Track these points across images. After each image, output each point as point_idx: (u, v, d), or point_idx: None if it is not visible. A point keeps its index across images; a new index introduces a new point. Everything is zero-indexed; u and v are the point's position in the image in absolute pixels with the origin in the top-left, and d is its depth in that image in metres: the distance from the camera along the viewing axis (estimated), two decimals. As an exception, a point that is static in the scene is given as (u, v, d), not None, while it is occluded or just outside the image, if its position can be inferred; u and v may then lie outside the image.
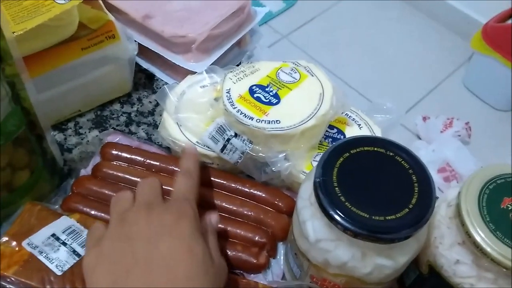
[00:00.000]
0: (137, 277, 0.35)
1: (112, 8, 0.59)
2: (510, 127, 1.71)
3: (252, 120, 0.48)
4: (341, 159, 0.38)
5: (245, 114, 0.48)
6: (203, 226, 0.40)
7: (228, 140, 0.49)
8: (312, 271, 0.41)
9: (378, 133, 0.54)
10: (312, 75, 0.52)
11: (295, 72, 0.52)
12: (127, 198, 0.42)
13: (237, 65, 0.54)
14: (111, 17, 0.54)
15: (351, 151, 0.38)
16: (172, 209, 0.39)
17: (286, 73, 0.52)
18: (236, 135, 0.49)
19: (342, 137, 0.53)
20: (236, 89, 0.50)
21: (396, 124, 0.55)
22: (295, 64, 0.54)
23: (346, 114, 0.55)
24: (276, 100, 0.49)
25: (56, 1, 0.48)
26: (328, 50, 1.89)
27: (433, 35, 1.99)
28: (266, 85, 0.51)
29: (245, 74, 0.52)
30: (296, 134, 0.47)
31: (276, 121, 0.48)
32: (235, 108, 0.48)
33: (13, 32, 0.45)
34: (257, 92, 0.50)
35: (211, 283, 0.36)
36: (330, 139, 0.53)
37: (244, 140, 0.49)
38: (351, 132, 0.54)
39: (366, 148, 0.39)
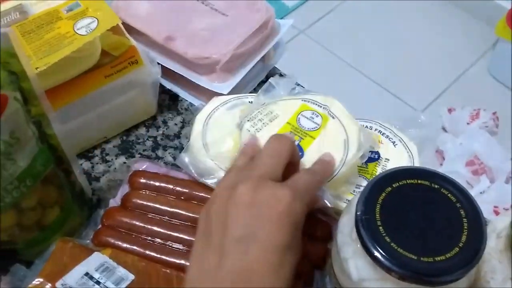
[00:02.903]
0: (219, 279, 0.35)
1: (132, 30, 0.58)
2: (540, 115, 1.65)
3: None
4: (383, 194, 0.36)
5: None
6: None
7: None
8: (355, 307, 0.39)
9: (414, 150, 0.52)
10: (333, 117, 0.50)
11: (317, 116, 0.50)
12: (252, 154, 0.42)
13: (255, 89, 0.52)
14: (133, 41, 0.53)
15: (393, 185, 0.36)
16: (278, 198, 0.37)
17: (307, 118, 0.50)
18: None
19: (376, 156, 0.51)
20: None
21: (433, 139, 0.53)
22: (314, 104, 0.51)
23: (379, 131, 0.53)
24: (300, 153, 0.47)
25: (78, 32, 0.47)
26: (347, 43, 1.85)
27: (456, 22, 1.93)
28: None
29: (264, 123, 0.49)
30: (325, 186, 0.45)
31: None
32: None
33: (36, 68, 0.44)
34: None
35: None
36: (365, 159, 0.51)
37: None
38: (385, 151, 0.52)
39: (409, 181, 0.37)
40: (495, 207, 1.32)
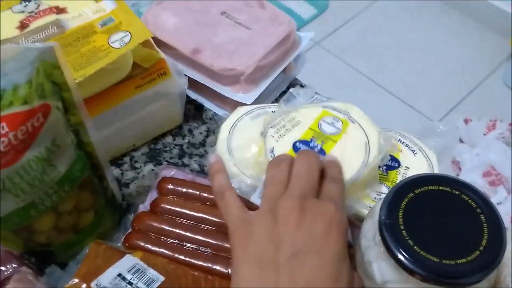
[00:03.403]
0: None
1: (160, 43, 0.60)
2: (557, 126, 1.65)
3: None
4: (406, 199, 0.38)
5: None
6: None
7: None
8: (377, 309, 0.41)
9: (433, 159, 0.53)
10: (353, 122, 0.51)
11: (338, 121, 0.51)
12: (282, 179, 0.40)
13: (276, 101, 0.54)
14: (162, 54, 0.56)
15: (415, 191, 0.38)
16: (324, 211, 0.37)
17: (328, 123, 0.51)
18: None
19: (396, 164, 0.53)
20: (280, 147, 0.49)
21: (452, 148, 0.54)
22: (334, 110, 0.53)
23: (399, 140, 0.55)
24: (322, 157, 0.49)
25: (112, 45, 0.50)
26: (363, 54, 1.87)
27: (471, 33, 1.94)
28: (309, 140, 0.50)
29: (287, 129, 0.51)
30: (349, 188, 0.47)
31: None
32: None
33: (74, 79, 0.47)
34: (301, 149, 0.49)
35: None
36: (385, 167, 0.52)
37: None
38: (405, 159, 0.53)
39: (430, 187, 0.38)
40: (513, 217, 1.32)
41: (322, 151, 0.49)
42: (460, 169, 1.53)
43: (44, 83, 0.38)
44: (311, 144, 0.50)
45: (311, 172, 0.40)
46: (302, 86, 0.67)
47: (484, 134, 1.57)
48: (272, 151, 0.49)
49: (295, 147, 0.49)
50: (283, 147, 0.50)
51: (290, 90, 0.56)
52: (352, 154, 0.48)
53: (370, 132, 0.50)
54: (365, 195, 0.49)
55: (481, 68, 1.84)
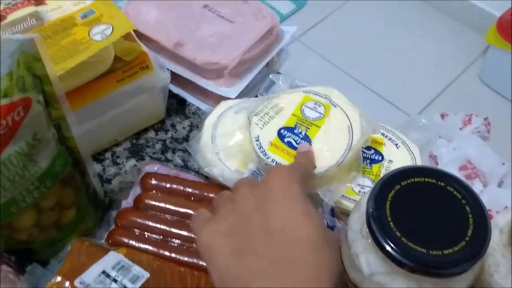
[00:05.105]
0: (260, 246, 0.34)
1: (142, 37, 0.59)
2: (530, 120, 1.69)
3: None
4: (393, 191, 0.38)
5: (279, 163, 0.48)
6: None
7: None
8: (364, 301, 0.41)
9: (416, 152, 0.54)
10: (335, 106, 0.52)
11: (320, 106, 0.52)
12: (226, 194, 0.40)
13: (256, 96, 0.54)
14: (144, 48, 0.55)
15: (402, 183, 0.38)
16: (277, 175, 0.37)
17: (310, 108, 0.52)
18: None
19: (380, 158, 0.53)
20: (265, 135, 0.49)
21: (434, 141, 0.55)
22: (316, 94, 0.53)
23: (382, 134, 0.55)
24: (308, 143, 0.49)
25: (94, 38, 0.49)
26: (341, 50, 1.88)
27: (447, 29, 1.97)
28: (293, 126, 0.50)
29: (270, 116, 0.51)
30: (334, 172, 0.47)
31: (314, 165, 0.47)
32: (268, 157, 0.48)
33: (55, 72, 0.46)
34: (286, 136, 0.49)
35: (333, 251, 0.35)
36: (368, 161, 0.53)
37: None
38: (388, 152, 0.54)
39: (417, 179, 0.38)
40: (488, 210, 1.35)
41: (307, 137, 0.49)
42: (437, 163, 1.55)
43: (25, 75, 0.37)
44: (295, 131, 0.50)
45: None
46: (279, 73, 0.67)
47: (460, 129, 1.60)
48: (258, 139, 0.49)
49: (280, 135, 0.49)
50: (268, 134, 0.50)
51: (270, 76, 0.56)
52: (336, 138, 0.49)
53: (352, 115, 0.51)
54: (349, 178, 0.49)
55: (457, 64, 1.87)
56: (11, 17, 0.51)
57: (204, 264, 0.48)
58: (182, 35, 0.59)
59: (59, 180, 0.44)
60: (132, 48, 0.54)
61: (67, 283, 0.44)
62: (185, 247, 0.50)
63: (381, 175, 0.51)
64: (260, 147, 0.49)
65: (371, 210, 0.37)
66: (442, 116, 1.64)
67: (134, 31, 0.57)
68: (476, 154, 1.49)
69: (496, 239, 0.40)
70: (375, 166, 0.52)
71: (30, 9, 0.51)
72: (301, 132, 0.50)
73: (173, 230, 0.50)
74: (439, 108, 1.69)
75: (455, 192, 0.38)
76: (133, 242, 0.49)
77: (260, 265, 0.33)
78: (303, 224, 0.34)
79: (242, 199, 0.37)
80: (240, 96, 0.59)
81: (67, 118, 0.44)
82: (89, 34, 0.49)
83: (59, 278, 0.44)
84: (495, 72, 1.76)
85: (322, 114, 0.51)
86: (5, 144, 0.37)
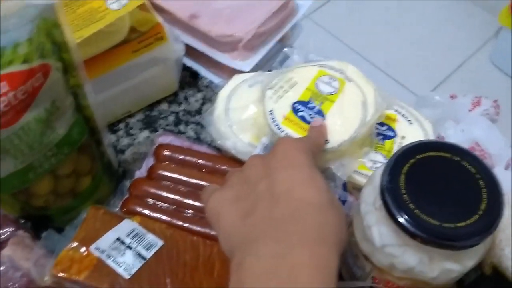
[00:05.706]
0: (265, 208, 0.34)
1: (157, 8, 0.59)
2: (540, 103, 1.68)
3: None
4: (407, 165, 0.38)
5: (292, 137, 0.48)
6: None
7: None
8: (375, 273, 0.42)
9: (429, 128, 0.54)
10: (350, 81, 0.52)
11: (334, 80, 0.52)
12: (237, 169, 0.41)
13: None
14: (159, 18, 0.55)
15: (417, 157, 0.38)
16: (284, 145, 0.38)
17: (325, 82, 0.51)
18: None
19: (393, 134, 0.53)
20: (279, 109, 0.49)
21: (446, 118, 0.55)
22: (331, 69, 0.53)
23: (396, 110, 0.55)
24: (321, 117, 0.49)
25: (110, 7, 0.49)
26: (351, 29, 1.86)
27: (459, 10, 1.95)
28: (307, 101, 0.50)
29: (284, 90, 0.51)
30: (347, 147, 0.47)
31: (325, 140, 0.48)
32: (282, 131, 0.48)
33: (74, 39, 0.46)
34: (300, 110, 0.49)
35: (338, 215, 0.34)
36: (381, 136, 0.53)
37: None
38: (401, 128, 0.54)
39: (431, 154, 0.39)
40: (495, 192, 1.35)
41: (320, 112, 0.49)
42: (444, 144, 1.55)
43: (45, 42, 0.37)
44: (309, 105, 0.50)
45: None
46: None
47: (469, 110, 1.59)
48: (272, 113, 0.49)
49: (294, 109, 0.49)
50: (282, 108, 0.50)
51: (284, 49, 0.55)
52: (349, 113, 0.49)
53: (366, 91, 0.51)
54: (361, 155, 0.49)
55: (468, 45, 1.85)
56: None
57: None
58: (197, 7, 0.59)
59: (76, 148, 0.45)
60: (147, 18, 0.54)
61: (83, 249, 0.45)
62: (198, 217, 0.50)
63: (394, 151, 0.51)
64: (274, 121, 0.49)
65: (385, 182, 0.37)
66: (452, 97, 1.62)
67: (150, 2, 0.57)
68: (484, 136, 1.47)
69: (508, 215, 0.40)
70: (387, 142, 0.52)
71: (46, -23, 0.51)
72: (315, 107, 0.50)
73: (186, 200, 0.51)
74: (449, 89, 1.68)
75: (469, 166, 0.38)
76: (146, 211, 0.50)
77: (266, 225, 0.33)
78: (309, 188, 0.35)
79: (249, 169, 0.38)
80: (254, 69, 0.59)
81: (84, 86, 0.44)
82: (105, 3, 0.49)
83: (75, 244, 0.45)
84: (507, 55, 1.73)
85: (336, 88, 0.51)
86: (24, 110, 0.38)
